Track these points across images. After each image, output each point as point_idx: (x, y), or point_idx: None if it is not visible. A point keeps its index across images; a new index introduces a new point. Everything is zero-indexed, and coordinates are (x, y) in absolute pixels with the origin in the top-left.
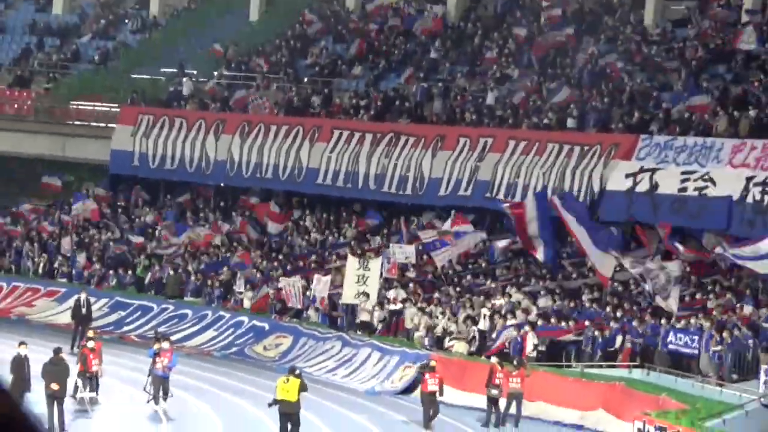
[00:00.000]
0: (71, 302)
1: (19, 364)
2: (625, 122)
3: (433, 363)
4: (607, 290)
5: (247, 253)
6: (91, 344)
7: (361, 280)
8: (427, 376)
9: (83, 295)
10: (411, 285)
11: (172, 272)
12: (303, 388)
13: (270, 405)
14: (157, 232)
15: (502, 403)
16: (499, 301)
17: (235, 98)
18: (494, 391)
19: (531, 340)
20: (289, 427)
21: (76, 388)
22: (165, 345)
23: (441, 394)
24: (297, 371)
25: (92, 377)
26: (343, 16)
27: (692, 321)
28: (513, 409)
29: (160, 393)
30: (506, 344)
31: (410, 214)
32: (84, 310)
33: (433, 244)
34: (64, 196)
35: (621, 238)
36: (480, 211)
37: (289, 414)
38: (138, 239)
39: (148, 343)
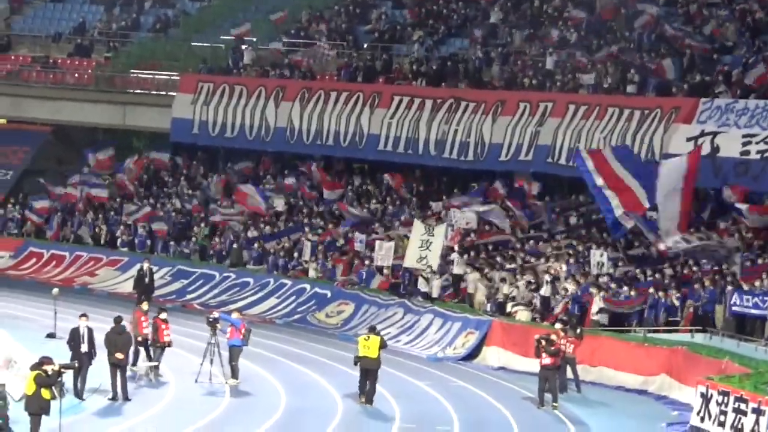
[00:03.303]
0: (134, 271)
1: (75, 337)
2: (687, 85)
3: (553, 336)
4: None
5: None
6: (163, 315)
7: (424, 245)
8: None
9: (146, 265)
10: (472, 252)
11: (234, 241)
12: (383, 345)
13: (355, 363)
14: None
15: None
16: (562, 266)
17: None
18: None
19: (597, 303)
20: (368, 383)
21: (135, 357)
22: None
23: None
24: (376, 329)
25: (163, 347)
26: None
27: (756, 284)
28: (569, 374)
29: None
30: (568, 307)
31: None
32: (147, 280)
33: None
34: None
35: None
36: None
37: (369, 370)
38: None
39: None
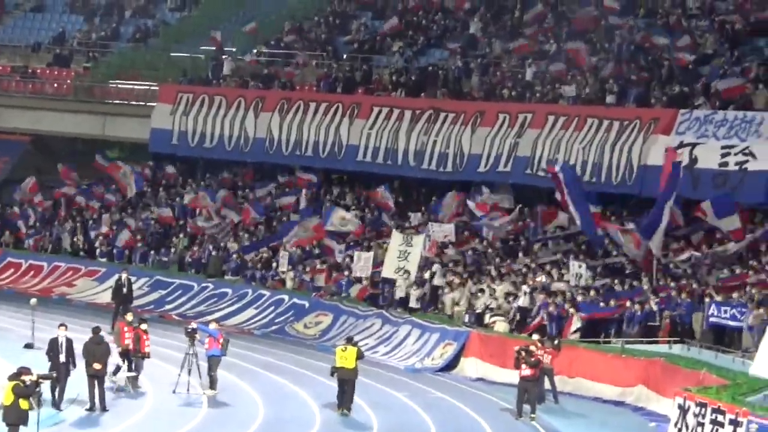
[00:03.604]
0: (112, 282)
1: (54, 348)
2: (665, 96)
3: (532, 348)
4: (652, 272)
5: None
6: (144, 326)
7: (402, 256)
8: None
9: (124, 275)
10: (450, 263)
11: (213, 252)
12: (360, 355)
13: (332, 374)
14: (198, 210)
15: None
16: (539, 278)
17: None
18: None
19: (576, 323)
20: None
21: (117, 368)
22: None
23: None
24: (354, 340)
25: (143, 357)
26: None
27: (734, 295)
28: (546, 385)
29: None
30: (544, 320)
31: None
32: (125, 290)
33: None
34: (104, 175)
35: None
36: (519, 188)
37: (347, 380)
38: (168, 214)
39: (187, 322)
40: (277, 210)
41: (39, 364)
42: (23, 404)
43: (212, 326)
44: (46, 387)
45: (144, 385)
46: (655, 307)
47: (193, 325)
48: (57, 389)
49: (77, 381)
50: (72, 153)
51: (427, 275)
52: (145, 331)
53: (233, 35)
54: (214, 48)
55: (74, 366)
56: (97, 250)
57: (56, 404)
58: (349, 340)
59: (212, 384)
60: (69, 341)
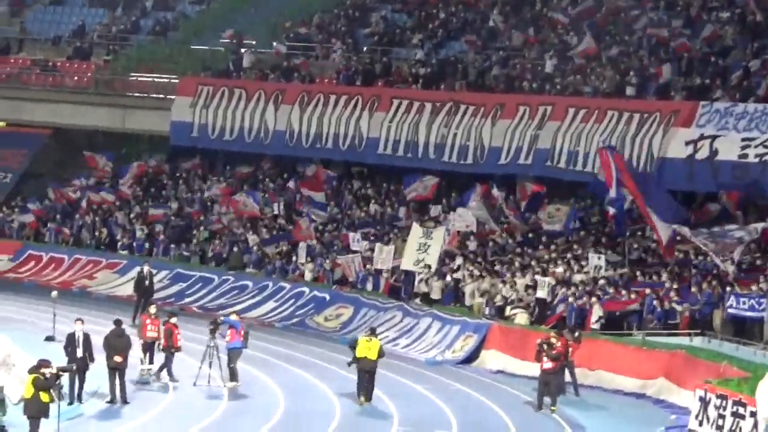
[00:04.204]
0: (133, 274)
1: (71, 342)
2: (685, 88)
3: (553, 340)
4: (672, 261)
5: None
6: (174, 320)
7: (422, 248)
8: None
9: (146, 268)
10: (472, 255)
11: (235, 246)
12: (381, 353)
13: (349, 364)
14: (216, 205)
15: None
16: (560, 269)
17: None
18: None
19: (596, 312)
20: (366, 384)
21: (161, 367)
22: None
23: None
24: (376, 331)
25: (176, 351)
26: None
27: (753, 288)
28: (567, 378)
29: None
30: (564, 315)
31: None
32: (147, 283)
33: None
34: (118, 169)
35: (682, 209)
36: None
37: (368, 371)
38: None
39: (209, 315)
40: (298, 202)
41: (59, 356)
42: (44, 397)
43: (233, 317)
44: (66, 380)
45: (165, 378)
46: (676, 306)
47: (221, 317)
48: (77, 383)
49: (98, 374)
50: (92, 146)
51: (449, 267)
52: (176, 325)
53: (253, 28)
54: (229, 41)
55: (92, 360)
56: (119, 243)
57: (77, 397)
58: (373, 332)
59: (233, 376)
60: (86, 336)
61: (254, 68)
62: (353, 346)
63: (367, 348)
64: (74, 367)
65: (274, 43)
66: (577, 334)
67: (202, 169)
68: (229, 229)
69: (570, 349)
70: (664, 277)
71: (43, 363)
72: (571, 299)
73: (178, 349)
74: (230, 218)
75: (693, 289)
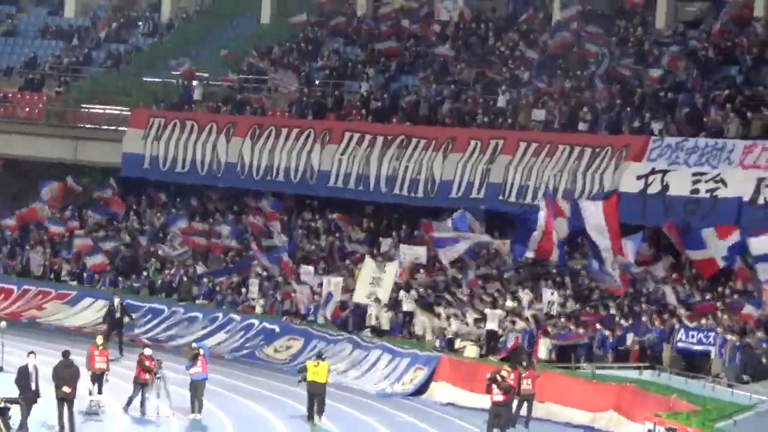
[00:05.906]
0: (83, 304)
1: (24, 376)
2: (636, 123)
3: (504, 373)
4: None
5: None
6: (148, 351)
7: (375, 282)
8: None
9: (116, 300)
10: (421, 288)
11: (185, 277)
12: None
13: (299, 381)
14: (169, 236)
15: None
16: (509, 303)
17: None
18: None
19: (544, 346)
20: (316, 405)
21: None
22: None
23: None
24: (324, 356)
25: (146, 383)
26: (354, 20)
27: (703, 321)
28: (523, 411)
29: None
30: (517, 345)
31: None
32: (117, 315)
33: (444, 241)
34: (79, 199)
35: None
36: (491, 214)
37: (317, 394)
38: (146, 242)
39: (159, 346)
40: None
41: (7, 387)
42: None
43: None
44: (16, 411)
45: (110, 408)
46: (626, 334)
47: (196, 347)
48: (23, 415)
49: (47, 405)
50: (45, 177)
51: (399, 299)
52: (149, 357)
53: (204, 60)
54: (180, 74)
55: (39, 395)
56: (63, 272)
57: (24, 429)
58: (320, 356)
59: (201, 408)
60: (37, 369)
61: (206, 101)
62: (301, 370)
63: (315, 372)
64: (22, 399)
65: (230, 73)
66: (528, 362)
67: (153, 201)
68: (181, 261)
69: (529, 380)
70: (613, 310)
71: None
72: (519, 334)
73: (148, 381)
74: (183, 250)
75: (644, 319)
